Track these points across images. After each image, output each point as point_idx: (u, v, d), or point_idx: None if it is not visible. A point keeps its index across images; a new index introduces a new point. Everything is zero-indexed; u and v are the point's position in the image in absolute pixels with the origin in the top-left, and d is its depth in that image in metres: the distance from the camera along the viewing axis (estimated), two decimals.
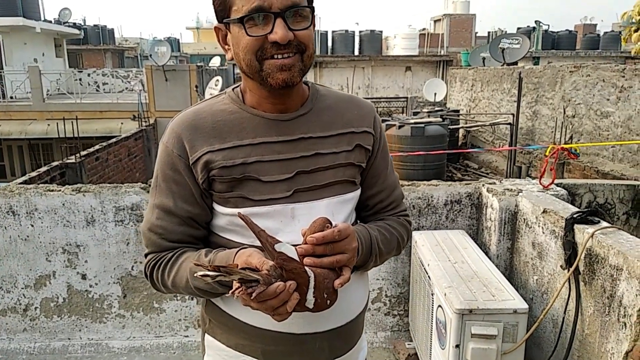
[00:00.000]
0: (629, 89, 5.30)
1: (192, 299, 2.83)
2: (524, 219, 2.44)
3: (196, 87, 12.81)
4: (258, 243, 0.93)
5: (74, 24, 24.41)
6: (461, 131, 9.49)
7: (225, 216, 1.05)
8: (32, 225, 2.70)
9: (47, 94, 14.88)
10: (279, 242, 0.90)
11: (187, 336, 2.86)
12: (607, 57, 21.55)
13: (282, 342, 1.05)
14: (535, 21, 23.31)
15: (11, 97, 15.07)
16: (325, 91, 1.14)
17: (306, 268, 0.90)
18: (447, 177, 7.77)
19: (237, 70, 17.06)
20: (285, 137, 1.04)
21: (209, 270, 0.83)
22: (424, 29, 29.15)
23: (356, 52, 21.73)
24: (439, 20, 28.20)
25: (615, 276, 1.72)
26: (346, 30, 22.19)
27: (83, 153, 7.87)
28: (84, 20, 29.16)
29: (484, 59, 11.11)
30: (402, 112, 13.12)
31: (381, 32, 23.06)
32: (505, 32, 21.63)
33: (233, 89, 1.11)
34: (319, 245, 0.91)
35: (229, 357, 1.11)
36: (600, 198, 2.72)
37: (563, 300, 2.04)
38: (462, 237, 2.63)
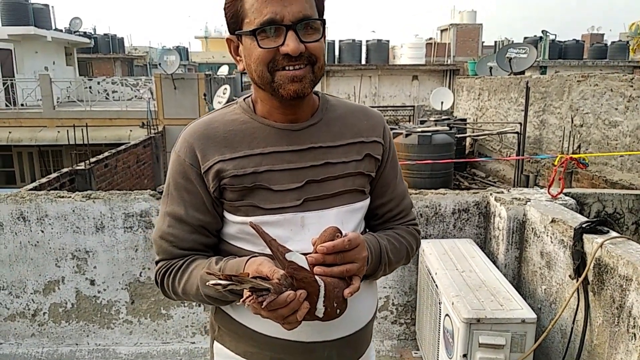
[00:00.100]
0: (637, 98, 5.29)
1: (199, 305, 2.84)
2: (532, 228, 2.43)
3: (204, 95, 12.90)
4: (268, 251, 0.94)
5: (85, 33, 24.71)
6: (468, 140, 9.48)
7: (235, 224, 1.06)
8: (43, 231, 2.73)
9: (57, 102, 15.04)
10: (290, 251, 0.91)
11: (194, 342, 2.87)
12: (615, 66, 21.49)
13: (291, 351, 1.05)
14: (542, 31, 23.32)
15: (22, 105, 15.25)
16: (335, 101, 1.16)
17: (316, 277, 0.90)
18: (454, 186, 7.75)
19: (245, 79, 17.22)
20: (295, 146, 1.05)
21: (220, 279, 0.84)
22: (430, 39, 29.22)
23: (363, 61, 21.81)
24: (446, 29, 28.26)
25: (624, 286, 1.71)
26: (353, 40, 22.30)
27: (92, 160, 7.95)
28: (94, 30, 29.52)
29: (491, 68, 11.12)
30: (409, 121, 13.13)
31: (388, 41, 23.16)
32: (512, 41, 21.64)
33: (244, 99, 1.12)
34: (329, 255, 0.92)
35: None
36: (609, 208, 2.70)
37: (572, 310, 2.03)
38: (470, 246, 2.63)
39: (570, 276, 2.04)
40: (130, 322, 2.85)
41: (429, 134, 7.14)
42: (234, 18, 1.00)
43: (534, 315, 1.92)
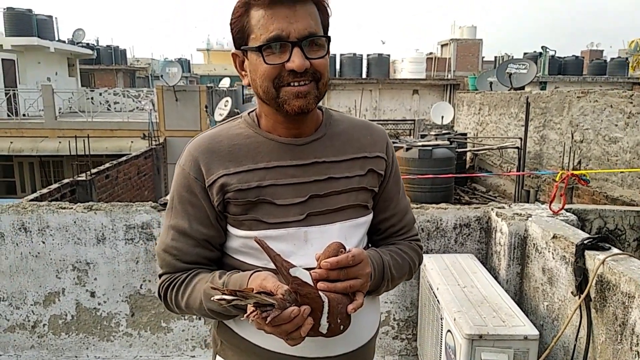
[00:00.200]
0: (637, 115, 5.32)
1: (200, 318, 2.82)
2: (534, 244, 2.43)
3: (206, 107, 12.96)
4: (271, 265, 0.94)
5: (88, 44, 24.90)
6: (469, 154, 9.50)
7: (239, 238, 1.07)
8: (44, 242, 2.73)
9: (59, 112, 15.12)
10: (294, 266, 0.91)
11: (194, 356, 2.85)
12: (614, 82, 21.63)
13: None
14: (542, 47, 23.51)
15: (24, 115, 15.33)
16: (338, 116, 1.17)
17: (320, 293, 0.90)
18: (455, 200, 7.75)
19: (247, 91, 17.27)
20: (299, 161, 1.06)
21: (225, 294, 0.84)
22: (431, 53, 29.45)
23: (364, 75, 21.95)
24: (446, 44, 28.50)
25: (627, 304, 1.71)
26: (354, 54, 22.47)
27: (93, 171, 7.96)
28: (97, 41, 29.76)
29: (491, 83, 11.19)
30: (410, 135, 13.19)
31: (389, 55, 23.33)
32: (512, 57, 21.81)
33: (249, 114, 1.13)
34: (333, 270, 0.92)
35: None
36: (611, 224, 2.71)
37: (574, 327, 2.02)
38: (471, 261, 2.62)
39: (572, 293, 2.04)
40: (130, 334, 2.83)
41: (430, 148, 7.17)
42: (240, 33, 1.01)
43: (537, 332, 1.91)
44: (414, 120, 14.34)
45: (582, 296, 1.93)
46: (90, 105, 16.15)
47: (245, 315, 0.87)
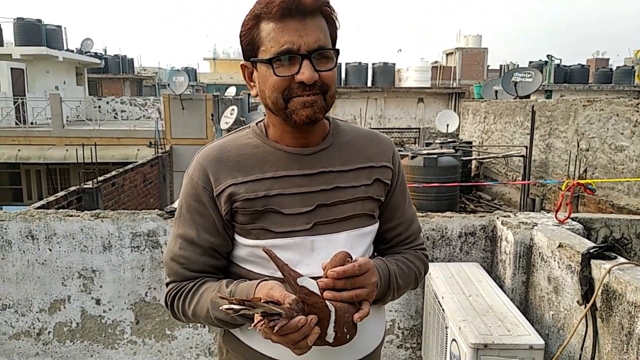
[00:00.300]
0: None
1: (204, 326, 2.83)
2: (540, 253, 2.43)
3: (212, 115, 13.03)
4: (278, 274, 0.95)
5: (96, 53, 25.15)
6: (474, 162, 9.49)
7: (246, 247, 1.07)
8: (50, 250, 2.74)
9: (66, 121, 15.26)
10: (301, 276, 0.92)
11: None
12: (620, 91, 21.55)
13: None
14: (547, 55, 23.47)
15: (32, 123, 15.47)
16: (345, 126, 1.18)
17: (327, 302, 0.91)
18: (460, 208, 7.73)
19: (252, 100, 17.32)
20: (306, 170, 1.07)
21: (233, 303, 0.85)
22: (436, 62, 29.51)
23: (369, 84, 22.01)
24: (451, 53, 28.56)
25: (633, 313, 1.70)
26: (359, 63, 22.54)
27: (100, 178, 8.01)
28: (105, 50, 30.05)
29: (496, 91, 11.19)
30: (415, 143, 13.18)
31: (394, 64, 23.38)
32: (517, 65, 21.81)
33: (257, 124, 1.15)
34: (340, 280, 0.92)
35: None
36: (617, 233, 2.69)
37: (580, 337, 2.01)
38: (477, 269, 2.61)
39: (578, 302, 2.03)
40: (135, 342, 2.83)
41: (435, 156, 7.16)
42: (250, 45, 1.03)
43: (542, 342, 1.90)
44: (419, 128, 14.34)
45: (588, 305, 1.92)
46: (98, 113, 16.29)
47: (252, 324, 0.87)
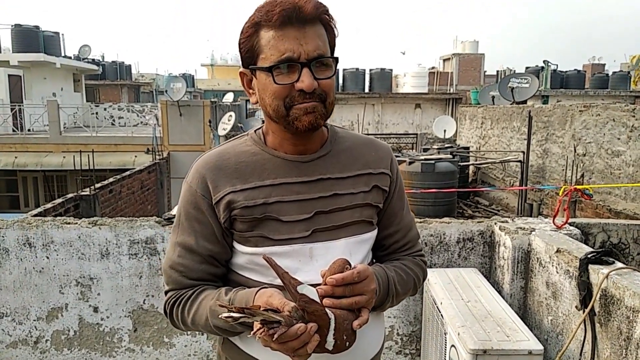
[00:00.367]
0: (639, 128, 5.33)
1: (202, 334, 2.81)
2: (538, 258, 2.43)
3: (209, 122, 13.04)
4: (276, 282, 0.95)
5: (93, 60, 25.17)
6: (471, 168, 9.51)
7: (245, 255, 1.07)
8: (48, 257, 2.73)
9: (64, 127, 15.24)
10: (301, 283, 0.92)
11: None
12: (616, 96, 21.68)
13: None
14: (544, 61, 23.59)
15: (29, 130, 15.45)
16: (343, 133, 1.18)
17: (327, 310, 0.91)
18: (458, 214, 7.74)
19: (250, 106, 17.32)
20: (304, 177, 1.07)
21: (232, 311, 0.85)
22: (433, 68, 29.62)
23: (366, 90, 22.06)
24: (448, 59, 28.69)
25: (631, 318, 1.70)
26: (357, 69, 22.60)
27: (97, 185, 7.99)
28: (103, 57, 30.05)
29: (493, 97, 11.25)
30: (412, 148, 13.21)
31: (391, 70, 23.45)
32: (514, 71, 21.93)
33: (255, 131, 1.15)
34: (339, 287, 0.93)
35: None
36: (614, 238, 2.70)
37: (579, 342, 2.01)
38: (475, 275, 2.61)
39: (576, 307, 2.03)
40: (133, 350, 2.82)
41: (433, 161, 7.18)
42: (249, 53, 1.03)
43: (541, 347, 1.90)
44: (417, 134, 14.38)
45: (587, 310, 1.92)
46: (95, 120, 16.30)
47: (252, 332, 0.87)
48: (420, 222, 2.80)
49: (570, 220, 2.69)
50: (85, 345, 2.81)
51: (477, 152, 9.81)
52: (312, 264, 1.05)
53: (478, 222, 2.84)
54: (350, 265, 0.96)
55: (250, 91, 1.09)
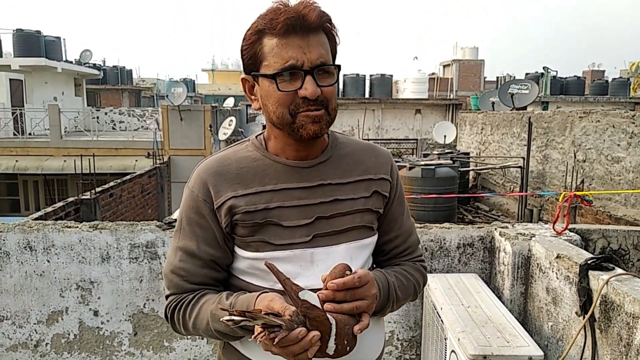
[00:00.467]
0: (639, 134, 5.34)
1: (203, 338, 2.81)
2: (538, 264, 2.43)
3: (210, 126, 13.07)
4: (277, 287, 0.95)
5: (94, 64, 25.24)
6: (471, 173, 9.52)
7: (246, 259, 1.08)
8: (48, 261, 2.74)
9: (65, 131, 15.26)
10: (303, 289, 0.92)
11: None
12: (616, 102, 21.71)
13: None
14: (544, 67, 23.63)
15: (30, 134, 15.47)
16: (344, 139, 1.19)
17: (328, 315, 0.91)
18: (458, 219, 7.73)
19: (250, 111, 17.35)
20: (305, 183, 1.08)
21: (233, 315, 0.85)
22: (433, 74, 29.69)
23: (367, 95, 22.11)
24: (448, 65, 28.76)
25: (631, 324, 1.70)
26: (357, 74, 22.66)
27: (98, 189, 8.00)
28: (104, 61, 30.13)
29: (493, 103, 11.27)
30: (412, 154, 13.23)
31: (391, 76, 23.51)
32: (514, 77, 21.99)
33: (256, 137, 1.16)
34: (339, 292, 0.93)
35: None
36: (614, 244, 2.70)
37: (579, 348, 2.01)
38: (475, 280, 2.62)
39: (576, 313, 2.03)
40: (133, 354, 2.82)
41: (433, 167, 7.19)
42: (252, 60, 1.04)
43: (541, 353, 1.90)
44: (417, 139, 14.42)
45: (587, 316, 1.92)
46: (96, 124, 16.34)
47: (253, 336, 0.88)
48: (421, 228, 2.81)
49: (571, 226, 2.69)
50: (85, 349, 2.81)
51: (477, 158, 9.82)
52: (313, 269, 1.05)
53: (478, 227, 2.85)
54: (351, 270, 0.96)
55: (252, 97, 1.10)
